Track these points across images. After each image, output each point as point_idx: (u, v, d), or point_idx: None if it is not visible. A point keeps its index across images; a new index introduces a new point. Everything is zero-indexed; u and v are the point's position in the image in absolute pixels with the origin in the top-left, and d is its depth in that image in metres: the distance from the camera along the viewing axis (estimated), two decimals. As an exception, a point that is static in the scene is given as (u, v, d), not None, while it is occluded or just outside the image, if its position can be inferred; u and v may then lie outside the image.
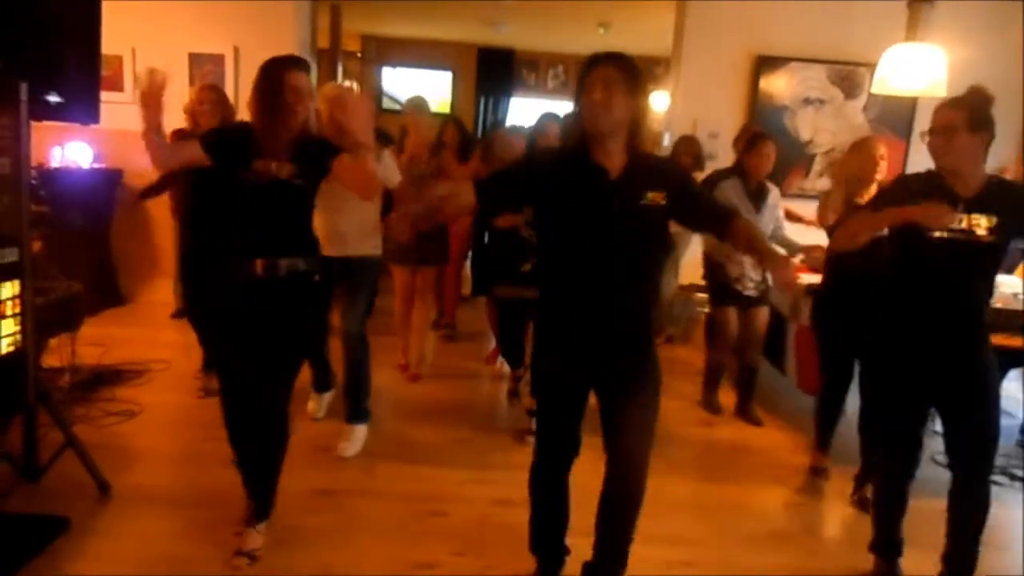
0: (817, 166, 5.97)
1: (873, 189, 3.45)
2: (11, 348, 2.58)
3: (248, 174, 2.58)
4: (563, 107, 5.17)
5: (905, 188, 2.64)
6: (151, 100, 2.67)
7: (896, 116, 5.82)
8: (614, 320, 2.29)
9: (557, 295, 2.36)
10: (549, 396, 2.43)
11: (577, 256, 2.28)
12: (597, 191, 2.22)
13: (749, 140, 4.40)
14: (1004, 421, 4.06)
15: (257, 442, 2.69)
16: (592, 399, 2.40)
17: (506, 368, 4.60)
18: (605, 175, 2.22)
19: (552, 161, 2.39)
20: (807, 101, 5.91)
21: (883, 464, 2.83)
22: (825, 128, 5.94)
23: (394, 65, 10.60)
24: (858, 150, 3.59)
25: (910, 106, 5.75)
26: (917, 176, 2.64)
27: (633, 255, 2.27)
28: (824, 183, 5.85)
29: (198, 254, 3.89)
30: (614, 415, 2.36)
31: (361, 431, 3.62)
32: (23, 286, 2.59)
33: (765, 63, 5.85)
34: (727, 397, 4.55)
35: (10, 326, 2.56)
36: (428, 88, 9.78)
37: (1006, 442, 3.96)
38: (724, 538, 3.06)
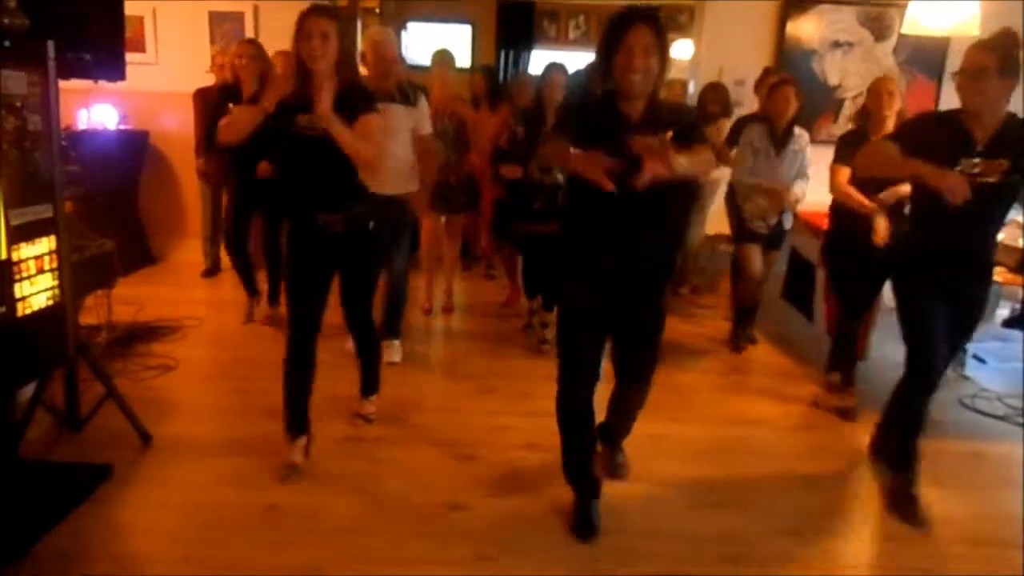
0: (846, 111, 5.85)
1: (889, 125, 3.53)
2: (50, 302, 2.64)
3: (293, 128, 2.69)
4: (585, 58, 5.13)
5: (923, 128, 2.77)
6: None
7: (927, 57, 5.68)
8: (635, 256, 2.49)
9: (584, 235, 2.53)
10: (573, 329, 2.57)
11: (601, 197, 2.33)
12: (619, 136, 2.32)
13: (770, 86, 4.40)
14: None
15: (309, 372, 2.96)
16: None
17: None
18: (628, 120, 2.39)
19: (587, 111, 2.59)
20: (835, 44, 5.78)
21: (909, 372, 2.85)
22: (854, 72, 5.81)
23: (414, 20, 10.48)
24: (868, 91, 3.73)
25: (942, 47, 5.58)
26: (937, 116, 2.77)
27: (654, 196, 2.35)
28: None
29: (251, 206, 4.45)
30: (626, 342, 2.67)
31: (398, 344, 4.12)
32: (59, 241, 2.64)
33: (792, 6, 5.72)
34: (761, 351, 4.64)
35: (48, 280, 2.62)
36: (448, 42, 9.66)
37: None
38: (756, 482, 3.09)
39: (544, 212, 4.12)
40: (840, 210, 3.78)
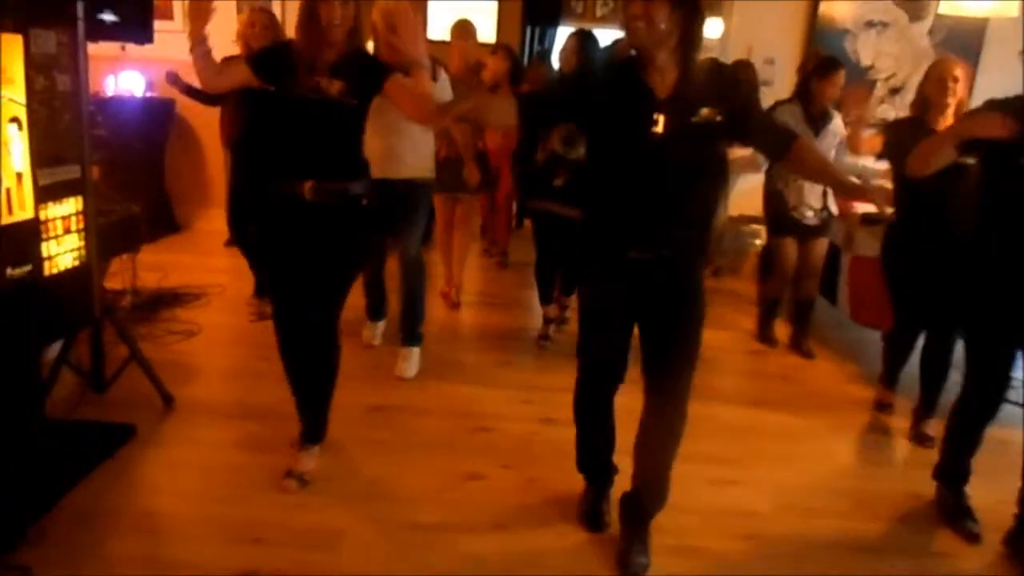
0: (878, 92, 5.75)
1: (949, 115, 3.24)
2: (76, 263, 2.66)
3: (295, 90, 2.50)
4: (611, 35, 5.06)
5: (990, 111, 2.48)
6: (199, 13, 2.62)
7: (964, 40, 5.56)
8: (662, 247, 2.20)
9: (604, 220, 2.27)
10: (594, 322, 2.37)
11: (623, 181, 2.19)
12: (643, 111, 2.10)
13: (822, 65, 4.18)
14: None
15: (308, 366, 2.70)
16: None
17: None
18: (652, 94, 2.10)
19: (601, 81, 2.30)
20: (869, 24, 5.67)
21: (970, 393, 2.67)
22: (887, 52, 5.70)
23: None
24: (927, 74, 3.38)
25: (979, 28, 5.48)
26: (1003, 101, 2.45)
27: (683, 178, 2.16)
28: (885, 110, 5.66)
29: (247, 177, 3.95)
30: (655, 345, 2.30)
31: (417, 353, 3.69)
32: (86, 202, 2.66)
33: (826, -16, 5.62)
34: (781, 330, 4.51)
35: (74, 241, 2.64)
36: (473, 17, 9.58)
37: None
38: (773, 461, 3.08)
39: (565, 191, 3.78)
40: (914, 198, 3.28)
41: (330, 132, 2.57)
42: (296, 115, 2.55)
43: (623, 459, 2.53)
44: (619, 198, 2.22)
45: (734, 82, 2.24)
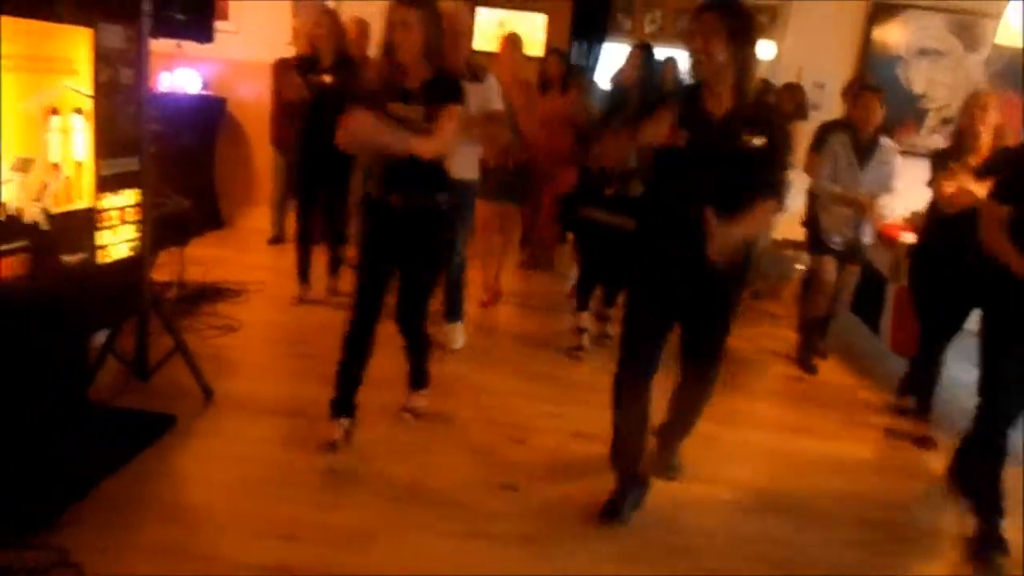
0: (930, 121, 5.66)
1: (984, 144, 3.33)
2: (129, 253, 2.72)
3: (388, 113, 2.70)
4: (659, 53, 5.06)
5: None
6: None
7: (1020, 71, 5.45)
8: (708, 257, 2.36)
9: (658, 230, 2.53)
10: (637, 322, 2.60)
11: (680, 194, 2.44)
12: (701, 134, 2.37)
13: (854, 92, 4.29)
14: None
15: (364, 359, 2.94)
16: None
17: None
18: (710, 118, 2.38)
19: (679, 99, 2.51)
20: (923, 52, 5.60)
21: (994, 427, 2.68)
22: (941, 82, 5.63)
23: (484, 6, 10.47)
24: (962, 106, 3.51)
25: (1037, 60, 5.37)
26: None
27: (732, 196, 2.37)
28: (936, 141, 5.58)
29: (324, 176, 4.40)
30: (692, 343, 2.64)
31: (460, 327, 4.04)
32: (142, 194, 2.72)
33: (880, 10, 5.57)
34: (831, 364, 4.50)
35: (129, 232, 2.71)
36: (521, 30, 9.64)
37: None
38: (806, 490, 3.03)
39: (615, 200, 3.93)
40: (935, 221, 3.55)
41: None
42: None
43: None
44: (674, 211, 2.48)
45: (773, 112, 2.70)
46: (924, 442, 3.51)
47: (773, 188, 2.50)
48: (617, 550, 2.49)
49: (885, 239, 4.35)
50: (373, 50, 4.36)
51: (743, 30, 2.32)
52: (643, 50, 4.07)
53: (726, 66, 2.31)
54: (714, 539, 2.60)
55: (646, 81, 3.95)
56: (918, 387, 3.66)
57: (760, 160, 2.41)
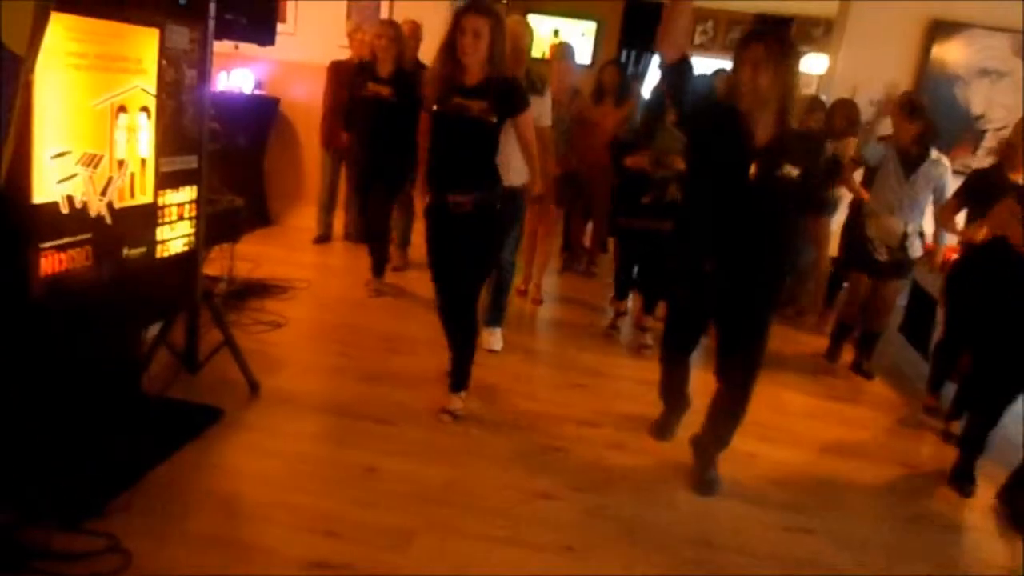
0: (987, 143, 5.54)
1: None
2: (185, 248, 2.79)
3: (445, 109, 2.91)
4: (711, 64, 5.04)
5: None
6: None
7: (1083, 95, 5.32)
8: (745, 260, 2.59)
9: (692, 223, 2.70)
10: (679, 320, 2.90)
11: (717, 214, 2.57)
12: (741, 158, 2.47)
13: (897, 106, 4.27)
14: None
15: (456, 328, 3.22)
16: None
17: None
18: (751, 143, 2.48)
19: (716, 118, 2.59)
20: (983, 72, 5.48)
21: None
22: (1000, 103, 5.51)
23: (536, 13, 10.52)
24: (1015, 126, 3.61)
25: (1103, 84, 5.24)
26: None
27: (767, 220, 2.55)
28: (992, 162, 5.46)
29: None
30: (730, 347, 2.77)
31: (500, 331, 4.13)
32: (199, 191, 2.78)
33: (940, 28, 5.46)
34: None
35: (186, 227, 2.77)
36: (572, 38, 9.66)
37: None
38: (847, 511, 2.99)
39: (653, 207, 4.06)
40: (971, 245, 3.62)
41: (469, 145, 2.99)
42: (444, 133, 2.99)
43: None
44: (711, 228, 2.61)
45: (817, 148, 2.83)
46: (951, 438, 3.61)
47: (827, 206, 2.63)
48: (653, 565, 2.48)
49: (937, 263, 4.26)
50: (425, 52, 4.47)
51: (789, 61, 2.42)
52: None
53: (770, 98, 2.42)
54: (752, 558, 2.57)
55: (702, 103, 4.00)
56: (936, 368, 3.96)
57: (796, 188, 2.53)
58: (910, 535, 2.90)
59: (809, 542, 2.73)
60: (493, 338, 4.10)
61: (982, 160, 5.48)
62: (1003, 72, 5.47)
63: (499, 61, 2.88)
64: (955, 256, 4.24)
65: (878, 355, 4.56)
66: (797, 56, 2.47)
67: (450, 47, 2.84)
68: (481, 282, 3.24)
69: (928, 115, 4.08)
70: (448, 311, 3.20)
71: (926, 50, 5.51)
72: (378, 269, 4.82)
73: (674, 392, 3.09)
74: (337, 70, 5.40)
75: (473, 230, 3.04)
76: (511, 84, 3.01)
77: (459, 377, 3.27)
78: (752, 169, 2.46)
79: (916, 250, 4.20)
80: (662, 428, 3.19)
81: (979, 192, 3.76)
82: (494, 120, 2.92)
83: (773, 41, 2.39)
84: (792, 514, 2.88)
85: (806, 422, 3.79)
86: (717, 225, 2.58)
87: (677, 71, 2.51)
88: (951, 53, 5.48)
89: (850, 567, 2.62)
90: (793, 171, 2.47)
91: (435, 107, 2.95)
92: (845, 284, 5.29)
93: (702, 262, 2.64)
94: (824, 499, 3.05)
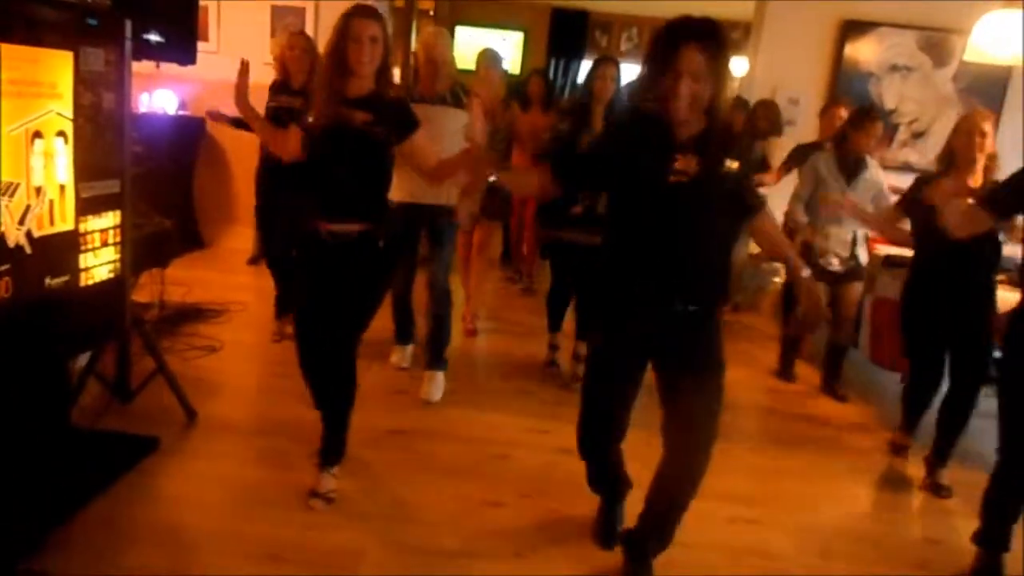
0: (901, 136, 5.79)
1: (979, 170, 3.17)
2: (111, 275, 2.71)
3: (320, 118, 2.57)
4: (635, 71, 5.11)
5: None
6: (240, 91, 2.83)
7: (987, 86, 5.60)
8: (678, 292, 2.17)
9: (621, 263, 2.24)
10: (602, 370, 2.35)
11: (645, 224, 2.17)
12: (667, 163, 2.10)
13: (858, 116, 4.14)
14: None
15: (327, 387, 2.74)
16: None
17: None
18: (676, 146, 2.10)
19: (630, 129, 2.37)
20: (894, 68, 5.72)
21: (1005, 453, 2.58)
22: (911, 97, 5.75)
23: (463, 24, 10.58)
24: (955, 128, 3.30)
25: (1003, 76, 5.52)
26: None
27: (703, 226, 2.15)
28: (907, 154, 5.70)
29: (274, 207, 4.13)
30: (675, 396, 2.26)
31: (442, 376, 3.74)
32: (123, 216, 2.71)
33: (852, 28, 5.67)
34: (803, 369, 4.53)
35: (110, 254, 2.69)
36: (499, 48, 9.73)
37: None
38: (792, 502, 3.06)
39: (583, 218, 3.71)
40: (932, 248, 3.29)
41: (354, 163, 2.58)
42: (323, 146, 2.60)
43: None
44: (638, 243, 2.20)
45: (748, 146, 2.49)
46: (900, 450, 3.55)
47: (763, 204, 2.30)
48: (610, 564, 2.50)
49: (867, 258, 4.40)
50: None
51: (725, 59, 2.05)
52: (615, 65, 3.99)
53: (703, 104, 2.05)
54: (709, 553, 2.61)
55: (612, 121, 3.82)
56: (908, 407, 3.56)
57: (735, 185, 2.18)
58: (854, 520, 3.00)
59: (757, 533, 2.79)
60: (433, 384, 3.69)
61: (896, 153, 5.73)
62: (912, 67, 5.72)
63: (386, 71, 2.60)
64: (878, 244, 4.41)
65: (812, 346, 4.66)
66: (729, 51, 2.08)
67: (339, 56, 2.51)
68: (363, 328, 2.72)
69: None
70: (317, 362, 2.72)
71: (839, 49, 5.72)
72: (281, 309, 4.32)
73: (608, 478, 2.58)
74: (276, 91, 5.32)
75: (356, 265, 2.61)
76: (399, 102, 2.72)
77: (332, 446, 2.75)
78: (683, 173, 2.09)
79: (864, 254, 4.23)
80: (606, 529, 2.61)
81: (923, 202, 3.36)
82: (380, 133, 2.55)
83: (711, 41, 2.00)
84: (742, 507, 2.93)
85: (749, 416, 3.88)
86: (654, 247, 2.17)
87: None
88: (863, 51, 5.71)
89: (797, 555, 2.69)
90: (733, 164, 2.13)
91: (316, 122, 2.59)
92: (776, 279, 5.47)
93: (638, 300, 2.21)
94: (773, 491, 3.12)
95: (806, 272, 2.23)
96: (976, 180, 3.14)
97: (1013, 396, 2.55)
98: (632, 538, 2.43)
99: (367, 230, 2.59)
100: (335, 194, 2.60)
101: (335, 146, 2.57)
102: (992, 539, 2.63)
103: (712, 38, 2.01)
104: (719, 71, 2.04)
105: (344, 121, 2.53)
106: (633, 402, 2.35)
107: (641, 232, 2.18)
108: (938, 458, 3.29)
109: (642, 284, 2.19)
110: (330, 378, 2.72)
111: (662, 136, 2.12)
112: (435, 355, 3.74)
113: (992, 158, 3.19)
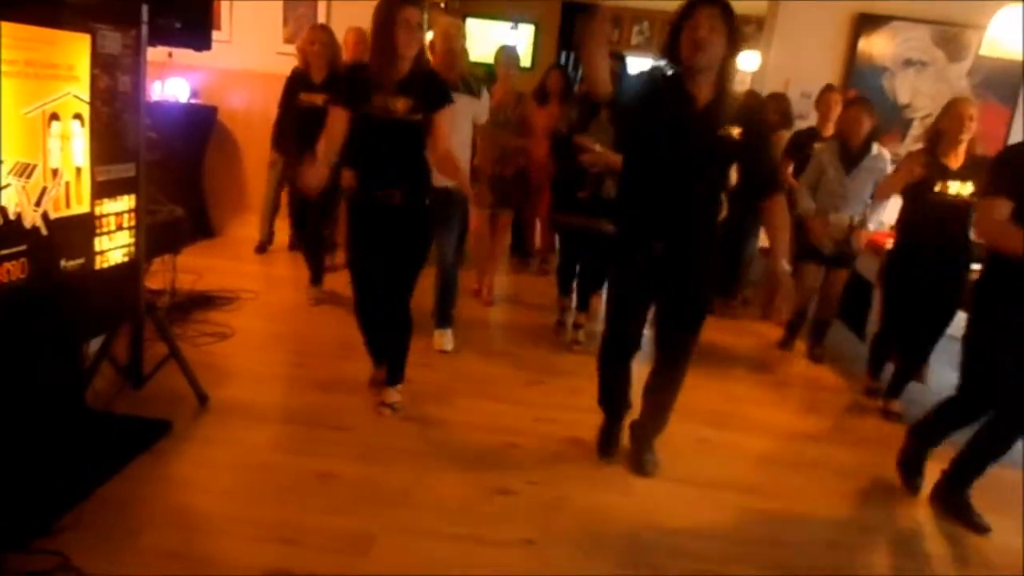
0: (914, 131, 5.76)
1: (961, 151, 3.57)
2: (125, 259, 2.72)
3: (370, 110, 2.88)
4: (646, 64, 5.09)
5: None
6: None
7: (1002, 81, 5.57)
8: (682, 230, 2.64)
9: (634, 206, 2.72)
10: (620, 309, 2.86)
11: (656, 171, 2.61)
12: (683, 116, 2.53)
13: (848, 102, 4.44)
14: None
15: (383, 334, 3.29)
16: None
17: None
18: (693, 102, 2.53)
19: (652, 91, 2.62)
20: (908, 63, 5.70)
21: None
22: (925, 92, 5.72)
23: (473, 17, 10.55)
24: (944, 110, 3.66)
25: (1018, 71, 5.46)
26: None
27: (705, 177, 2.62)
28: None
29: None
30: (670, 321, 2.83)
31: (450, 332, 4.14)
32: (138, 200, 2.72)
33: (866, 22, 5.65)
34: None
35: (125, 237, 2.70)
36: (510, 41, 9.70)
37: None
38: (796, 496, 3.06)
39: (588, 203, 4.09)
40: (909, 229, 3.78)
41: (398, 145, 2.97)
42: (371, 133, 2.94)
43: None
44: (649, 189, 2.65)
45: (759, 116, 2.85)
46: (891, 416, 3.83)
47: (776, 183, 2.68)
48: (614, 552, 2.51)
49: (872, 246, 4.41)
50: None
51: (736, 29, 2.48)
52: (617, 60, 4.11)
53: (715, 60, 2.47)
54: (711, 541, 2.62)
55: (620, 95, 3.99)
56: (873, 355, 4.16)
57: (738, 153, 2.60)
58: (861, 513, 3.00)
59: (764, 522, 2.79)
60: (444, 339, 4.12)
61: (911, 147, 5.68)
62: (926, 62, 5.69)
63: (423, 55, 2.93)
64: (887, 240, 4.41)
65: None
66: (740, 27, 2.51)
67: (386, 41, 2.81)
68: (415, 274, 3.16)
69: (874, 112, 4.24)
70: (373, 309, 3.22)
71: (853, 44, 5.69)
72: (316, 277, 4.75)
73: (616, 396, 3.09)
74: (297, 81, 5.31)
75: (403, 223, 3.03)
76: (436, 78, 3.04)
77: (395, 371, 3.29)
78: (693, 130, 2.53)
79: (860, 241, 4.35)
80: (607, 441, 3.13)
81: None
82: (419, 118, 2.92)
83: (724, 7, 2.46)
84: (748, 496, 2.94)
85: (758, 408, 3.88)
86: (661, 200, 2.62)
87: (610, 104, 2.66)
88: (877, 46, 5.68)
89: (804, 544, 2.69)
90: (734, 131, 2.53)
91: (359, 107, 2.90)
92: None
93: (651, 246, 2.66)
94: (778, 482, 3.12)
95: (785, 266, 2.63)
96: (958, 159, 3.57)
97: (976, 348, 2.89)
98: (637, 424, 3.07)
99: (411, 194, 3.01)
100: (382, 171, 3.00)
101: (381, 133, 2.93)
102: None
103: (723, 5, 2.46)
104: (730, 35, 2.46)
105: (390, 111, 2.87)
106: (644, 323, 2.90)
107: (652, 178, 2.64)
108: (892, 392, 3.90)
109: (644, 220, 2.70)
110: (387, 324, 3.22)
111: (681, 97, 2.52)
112: (443, 315, 4.13)
113: (975, 141, 3.60)
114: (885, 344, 4.12)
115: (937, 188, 3.59)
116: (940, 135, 3.60)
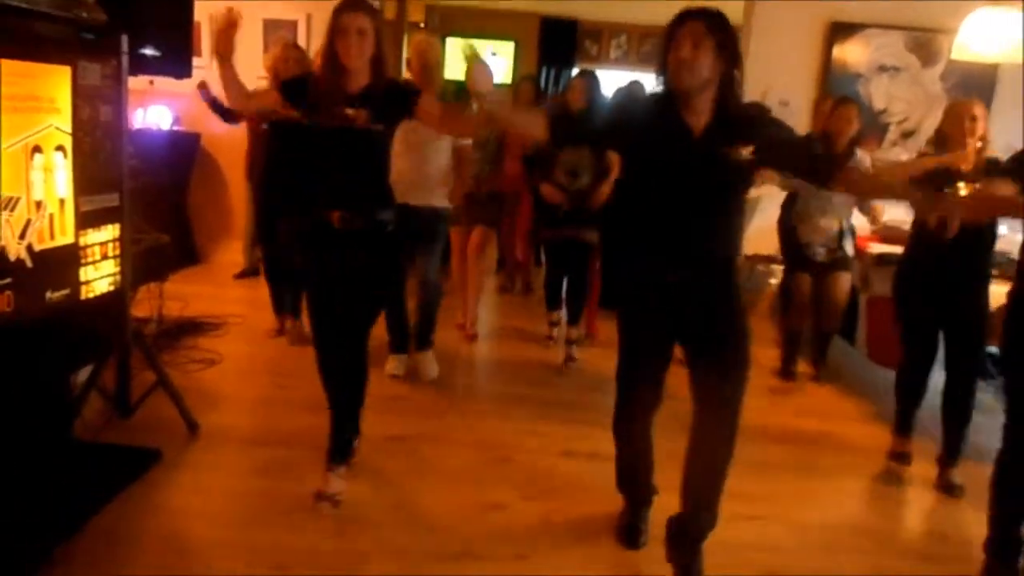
0: (891, 135, 5.83)
1: (971, 154, 3.15)
2: (111, 288, 2.72)
3: (322, 118, 2.59)
4: (626, 77, 5.15)
5: None
6: (225, 35, 2.66)
7: (975, 84, 5.62)
8: (691, 271, 2.30)
9: (637, 246, 2.40)
10: (634, 347, 2.45)
11: (656, 210, 2.31)
12: (679, 148, 2.23)
13: (832, 104, 4.34)
14: None
15: (345, 385, 2.77)
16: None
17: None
18: (689, 133, 2.22)
19: (640, 113, 2.40)
20: (882, 68, 5.76)
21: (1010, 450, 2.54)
22: (900, 97, 5.79)
23: (454, 35, 10.63)
24: (946, 112, 3.43)
25: (991, 74, 5.56)
26: None
27: (712, 211, 2.29)
28: (897, 153, 5.73)
29: (276, 207, 4.06)
30: (704, 363, 2.37)
31: (431, 354, 4.02)
32: (122, 229, 2.73)
33: (839, 29, 5.72)
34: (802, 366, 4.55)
35: (110, 267, 2.71)
36: (489, 59, 9.78)
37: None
38: (794, 498, 3.08)
39: (574, 216, 4.12)
40: (925, 235, 3.30)
41: (357, 160, 2.66)
42: (324, 145, 2.65)
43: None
44: (651, 227, 2.34)
45: (758, 114, 2.42)
46: (901, 458, 3.39)
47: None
48: (610, 563, 2.52)
49: (857, 251, 4.45)
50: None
51: (730, 39, 2.18)
52: (588, 78, 4.18)
53: (709, 80, 2.17)
54: (708, 548, 2.62)
55: (595, 108, 4.00)
56: (901, 404, 3.44)
57: (747, 172, 2.27)
58: (855, 514, 3.01)
59: (757, 529, 2.80)
60: (427, 363, 4.00)
61: (887, 152, 5.76)
62: (900, 67, 5.76)
63: (381, 62, 2.59)
64: (868, 244, 4.45)
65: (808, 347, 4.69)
66: (735, 35, 2.22)
67: (330, 51, 2.54)
68: (372, 316, 2.80)
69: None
70: (333, 349, 2.74)
71: (828, 51, 5.76)
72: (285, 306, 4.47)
73: (640, 472, 2.63)
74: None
75: (366, 250, 2.66)
76: (395, 84, 2.77)
77: (340, 443, 2.74)
78: (694, 158, 2.22)
79: (851, 246, 4.32)
80: (630, 534, 2.63)
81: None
82: (381, 127, 2.62)
83: (712, 18, 2.16)
84: (741, 504, 2.93)
85: (750, 415, 3.88)
86: (668, 237, 2.31)
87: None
88: (851, 52, 5.75)
89: (795, 548, 2.71)
90: (744, 151, 2.18)
91: (312, 119, 2.63)
92: (772, 281, 5.50)
93: (663, 277, 2.33)
94: (773, 488, 3.13)
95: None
96: (968, 163, 3.15)
97: (1017, 387, 2.52)
98: (678, 520, 2.44)
99: (373, 217, 2.65)
100: (340, 188, 2.66)
101: (338, 146, 2.62)
102: (1002, 546, 2.55)
103: (714, 17, 2.17)
104: (721, 48, 2.15)
105: (346, 123, 2.55)
106: (666, 371, 2.45)
107: (657, 210, 2.32)
108: (948, 456, 3.25)
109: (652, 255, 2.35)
110: (342, 367, 2.74)
111: (677, 125, 2.22)
112: (423, 337, 4.00)
113: (985, 143, 3.20)
114: (913, 383, 3.39)
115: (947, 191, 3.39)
116: (944, 139, 3.36)
